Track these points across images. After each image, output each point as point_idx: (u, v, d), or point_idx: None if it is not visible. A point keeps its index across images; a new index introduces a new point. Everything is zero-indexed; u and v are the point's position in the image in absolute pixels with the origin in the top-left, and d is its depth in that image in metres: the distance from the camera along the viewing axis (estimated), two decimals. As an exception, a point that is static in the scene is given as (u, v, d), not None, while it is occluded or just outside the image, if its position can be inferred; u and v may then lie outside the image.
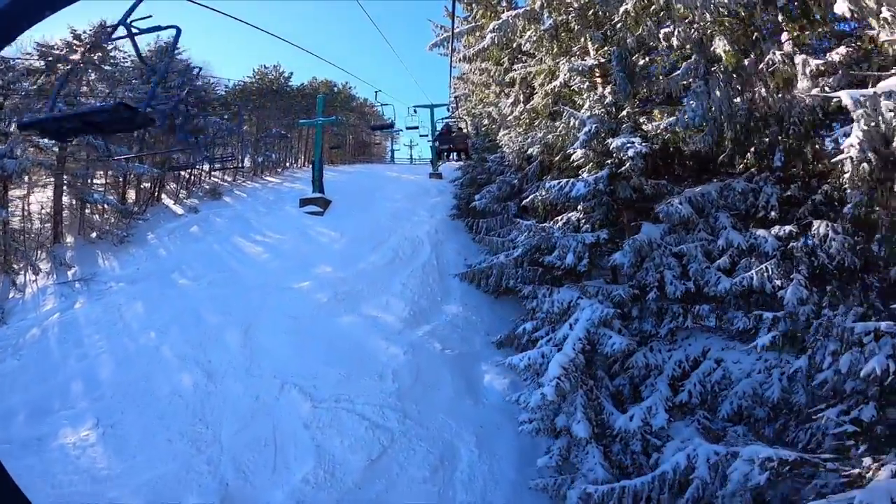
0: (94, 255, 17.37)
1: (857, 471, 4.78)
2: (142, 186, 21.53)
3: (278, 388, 11.13)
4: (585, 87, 8.42)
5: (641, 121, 8.25)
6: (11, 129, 16.73)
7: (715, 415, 6.96)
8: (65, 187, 18.49)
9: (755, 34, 7.29)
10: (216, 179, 25.00)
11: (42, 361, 12.31)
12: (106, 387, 11.56)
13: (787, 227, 7.04)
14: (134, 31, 6.34)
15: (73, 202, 18.99)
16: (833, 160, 5.96)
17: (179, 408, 10.80)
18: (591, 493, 6.34)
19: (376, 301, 13.66)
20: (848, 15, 5.59)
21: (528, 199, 9.50)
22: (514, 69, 11.34)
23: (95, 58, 19.61)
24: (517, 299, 11.98)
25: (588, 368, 7.06)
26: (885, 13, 5.34)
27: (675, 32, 7.33)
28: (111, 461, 9.57)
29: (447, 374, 11.62)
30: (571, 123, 8.31)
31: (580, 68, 8.44)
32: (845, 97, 5.18)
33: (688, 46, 7.44)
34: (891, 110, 4.89)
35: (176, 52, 22.79)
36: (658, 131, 8.25)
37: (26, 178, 18.14)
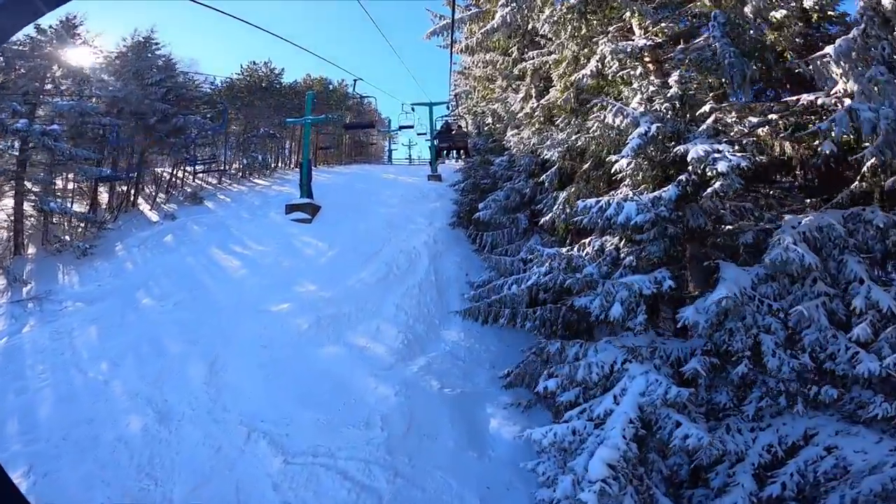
0: (56, 269, 15.62)
1: None
2: (117, 191, 19.75)
3: (244, 438, 9.36)
4: (637, 73, 6.42)
5: (730, 120, 6.10)
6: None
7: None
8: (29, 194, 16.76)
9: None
10: (200, 182, 23.24)
11: (-26, 397, 10.57)
12: (44, 428, 9.79)
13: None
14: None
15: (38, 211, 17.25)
16: None
17: (124, 458, 9.03)
18: None
19: (365, 327, 11.87)
20: None
21: (546, 218, 7.68)
22: (528, 56, 9.51)
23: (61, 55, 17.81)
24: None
25: (639, 451, 5.21)
26: None
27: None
28: (38, 521, 7.87)
29: (446, 419, 9.82)
30: (616, 122, 6.19)
31: (627, 50, 6.49)
32: None
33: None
34: None
35: (156, 46, 21.12)
36: (762, 134, 6.06)
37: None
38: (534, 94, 9.93)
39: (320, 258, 14.64)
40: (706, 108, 5.96)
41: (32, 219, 16.95)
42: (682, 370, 5.64)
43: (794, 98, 5.96)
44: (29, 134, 15.29)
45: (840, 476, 4.89)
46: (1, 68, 16.97)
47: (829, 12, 6.26)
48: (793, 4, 5.88)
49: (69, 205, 17.48)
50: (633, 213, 5.75)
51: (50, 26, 17.87)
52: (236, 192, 22.37)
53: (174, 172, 22.10)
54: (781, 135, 6.03)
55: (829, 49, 5.38)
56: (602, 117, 6.62)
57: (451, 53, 13.69)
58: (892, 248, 5.51)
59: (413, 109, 27.25)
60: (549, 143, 7.90)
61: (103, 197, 19.91)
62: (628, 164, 6.15)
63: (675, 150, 5.84)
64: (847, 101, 5.40)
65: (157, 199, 21.16)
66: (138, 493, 8.49)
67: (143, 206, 20.38)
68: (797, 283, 5.51)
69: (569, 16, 7.27)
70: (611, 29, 6.92)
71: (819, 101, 5.65)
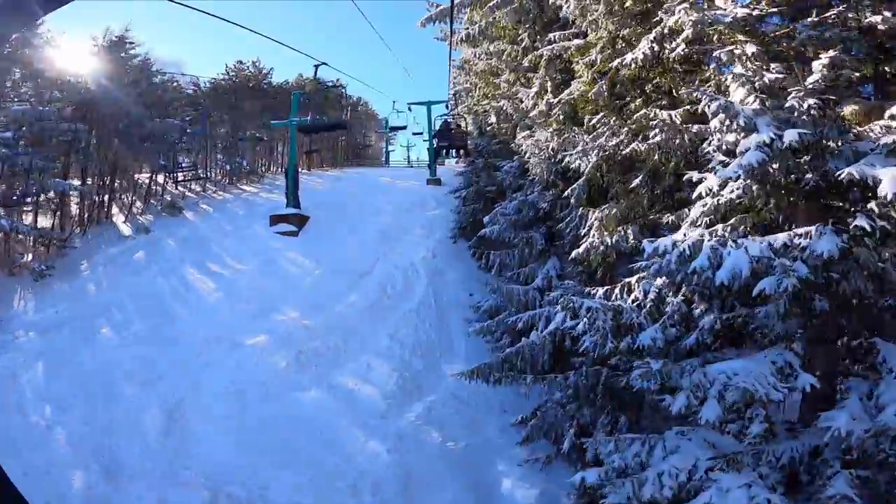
0: (14, 292, 13.99)
1: None
2: (88, 202, 18.09)
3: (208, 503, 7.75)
4: (738, 54, 4.50)
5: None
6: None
7: None
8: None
9: None
10: (183, 190, 21.59)
11: None
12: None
13: None
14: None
15: None
16: None
17: (61, 530, 7.45)
18: None
19: (353, 364, 10.21)
20: None
21: (579, 250, 5.97)
22: (549, 38, 7.78)
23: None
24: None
25: None
26: None
27: None
28: None
29: (449, 481, 8.14)
30: (721, 123, 4.04)
31: (726, 20, 4.57)
32: None
33: None
34: None
35: (130, 46, 19.48)
36: None
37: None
38: (549, 89, 8.25)
39: (305, 279, 12.97)
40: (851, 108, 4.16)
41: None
42: (800, 479, 3.87)
43: None
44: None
45: None
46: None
47: None
48: None
49: (32, 219, 15.82)
50: (744, 267, 3.70)
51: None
52: (220, 201, 20.72)
53: (152, 180, 20.46)
54: None
55: None
56: (666, 117, 4.94)
57: (451, 43, 12.06)
58: None
59: (410, 109, 25.70)
60: (579, 148, 6.19)
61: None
62: (734, 189, 4.12)
63: (835, 174, 3.68)
64: None
65: (134, 210, 19.54)
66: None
67: (118, 218, 18.75)
68: None
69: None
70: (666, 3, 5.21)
71: None
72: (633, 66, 5.46)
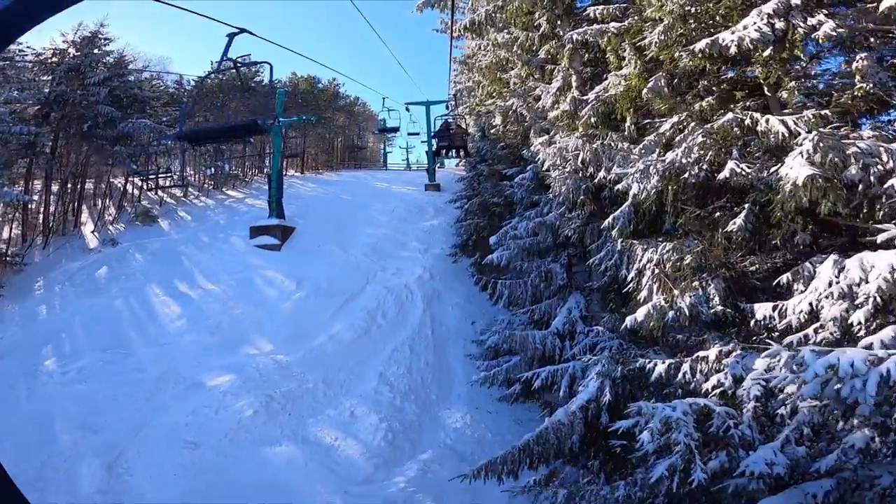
0: (-39, 313, 12.38)
1: None
2: (51, 211, 16.47)
3: None
4: None
5: None
6: None
7: None
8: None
9: None
10: (163, 196, 19.94)
11: None
12: None
13: None
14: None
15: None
16: None
17: None
18: None
19: (334, 412, 8.58)
20: None
21: (637, 319, 4.33)
22: (576, 22, 6.21)
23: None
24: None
25: None
26: None
27: None
28: None
29: (447, 572, 6.56)
30: None
31: None
32: None
33: None
34: None
35: (104, 40, 17.89)
36: None
37: None
38: (575, 84, 6.61)
39: (283, 303, 11.33)
40: None
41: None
42: None
43: None
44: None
45: None
46: None
47: None
48: None
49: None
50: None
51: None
52: (201, 208, 19.09)
53: (127, 186, 18.85)
54: None
55: None
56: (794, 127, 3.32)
57: (451, 32, 10.44)
58: None
59: (408, 110, 24.15)
60: (640, 166, 4.47)
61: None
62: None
63: None
64: None
65: (106, 218, 17.93)
66: None
67: (88, 227, 17.13)
68: None
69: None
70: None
71: None
72: (734, 48, 3.85)
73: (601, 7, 5.96)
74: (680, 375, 4.22)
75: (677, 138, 4.47)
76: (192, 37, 45.47)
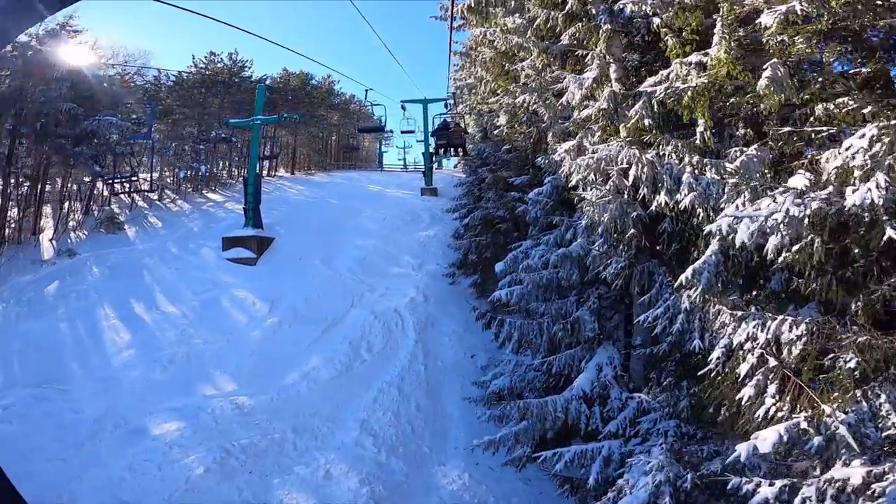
0: None
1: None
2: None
3: None
4: None
5: None
6: None
7: None
8: None
9: None
10: (137, 198, 18.32)
11: None
12: None
13: None
14: None
15: None
16: None
17: None
18: None
19: (306, 470, 7.03)
20: None
21: (763, 448, 2.88)
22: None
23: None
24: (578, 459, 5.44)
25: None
26: None
27: None
28: None
29: None
30: None
31: None
32: None
33: None
34: None
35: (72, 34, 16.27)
36: None
37: None
38: (614, 75, 5.03)
39: (252, 330, 9.76)
40: None
41: None
42: None
43: None
44: None
45: None
46: None
47: None
48: None
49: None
50: None
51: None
52: (175, 213, 17.48)
53: (94, 189, 17.19)
54: None
55: None
56: None
57: (451, 17, 8.90)
58: None
59: (404, 108, 22.56)
60: (782, 208, 2.77)
61: None
62: None
63: None
64: None
65: (72, 223, 16.29)
66: None
67: (48, 234, 15.51)
68: None
69: None
70: None
71: None
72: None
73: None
74: (798, 500, 2.74)
75: (836, 162, 2.92)
76: (173, 29, 43.46)
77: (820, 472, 2.75)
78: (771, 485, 2.81)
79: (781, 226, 2.84)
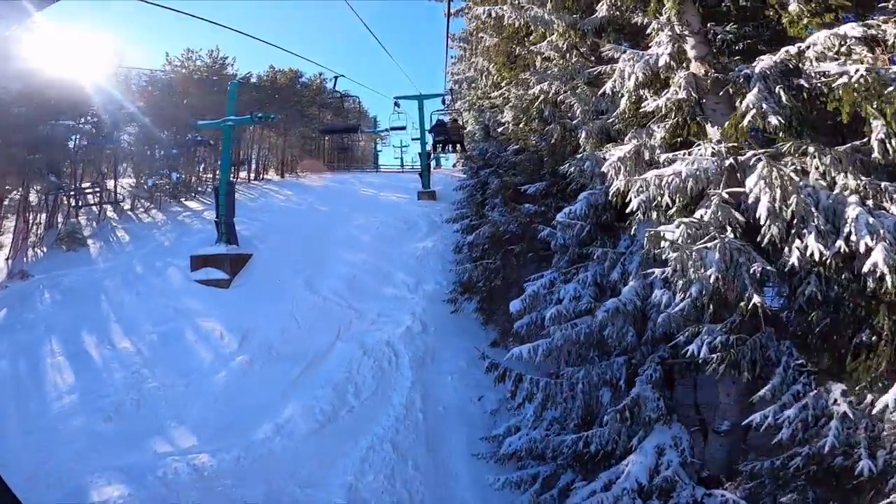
0: None
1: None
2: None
3: None
4: None
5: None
6: None
7: None
8: None
9: None
10: (106, 208, 16.76)
11: None
12: None
13: None
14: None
15: None
16: None
17: None
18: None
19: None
20: None
21: None
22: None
23: None
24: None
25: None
26: None
27: None
28: None
29: None
30: None
31: None
32: None
33: None
34: None
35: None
36: None
37: None
38: (693, 54, 3.48)
39: (219, 371, 8.25)
40: None
41: None
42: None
43: None
44: None
45: None
46: None
47: None
48: None
49: None
50: None
51: None
52: (146, 225, 15.93)
53: (56, 201, 15.63)
54: None
55: None
56: None
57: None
58: None
59: (398, 105, 21.00)
60: None
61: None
62: None
63: None
64: None
65: (32, 239, 14.75)
66: None
67: (4, 253, 13.97)
68: None
69: None
70: None
71: None
72: None
73: None
74: None
75: None
76: (149, 27, 41.45)
77: None
78: None
79: None
